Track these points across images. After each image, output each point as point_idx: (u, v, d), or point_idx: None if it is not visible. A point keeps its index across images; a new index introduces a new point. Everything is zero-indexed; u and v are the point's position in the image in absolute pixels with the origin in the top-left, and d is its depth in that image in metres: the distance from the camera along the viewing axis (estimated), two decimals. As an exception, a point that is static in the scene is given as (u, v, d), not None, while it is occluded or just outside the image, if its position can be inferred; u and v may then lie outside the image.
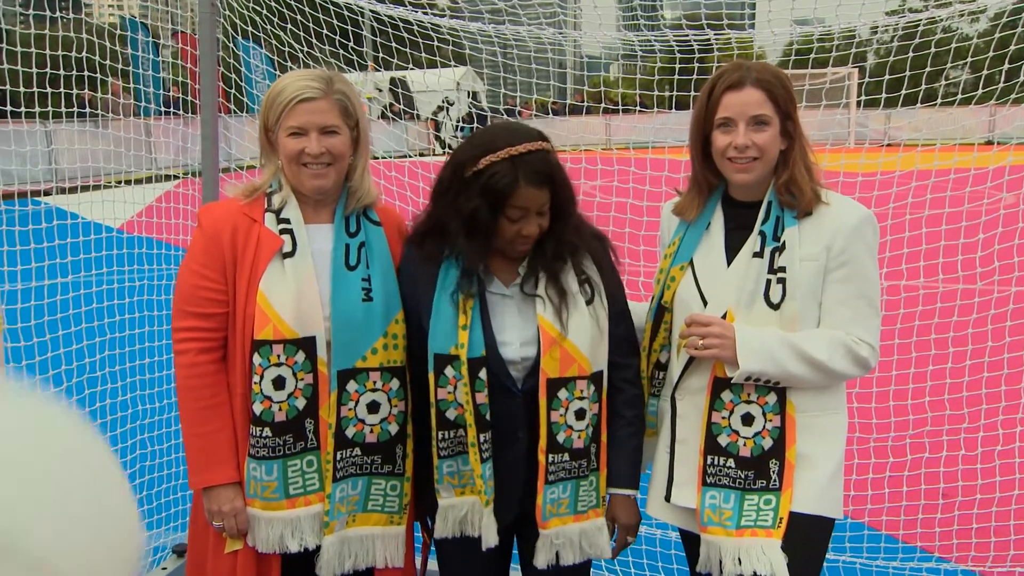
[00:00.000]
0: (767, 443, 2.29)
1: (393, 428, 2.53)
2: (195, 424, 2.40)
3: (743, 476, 2.31)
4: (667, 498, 2.50)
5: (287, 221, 2.43)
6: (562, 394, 2.45)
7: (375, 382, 2.48)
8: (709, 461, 2.35)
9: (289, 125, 2.35)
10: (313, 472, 2.46)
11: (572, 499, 2.52)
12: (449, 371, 2.45)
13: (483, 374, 2.45)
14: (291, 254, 2.40)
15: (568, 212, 2.47)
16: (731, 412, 2.33)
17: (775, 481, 2.29)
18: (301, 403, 2.41)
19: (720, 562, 2.32)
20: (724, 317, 2.34)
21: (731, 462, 2.32)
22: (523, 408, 2.50)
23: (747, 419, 2.31)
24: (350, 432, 2.47)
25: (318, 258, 2.47)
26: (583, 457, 2.51)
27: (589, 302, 2.48)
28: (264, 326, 2.35)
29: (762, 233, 2.32)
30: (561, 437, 2.47)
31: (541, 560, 2.51)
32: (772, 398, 2.30)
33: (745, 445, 2.31)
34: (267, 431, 2.39)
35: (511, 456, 2.53)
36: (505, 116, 5.33)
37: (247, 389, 2.41)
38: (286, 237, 2.41)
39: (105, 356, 4.29)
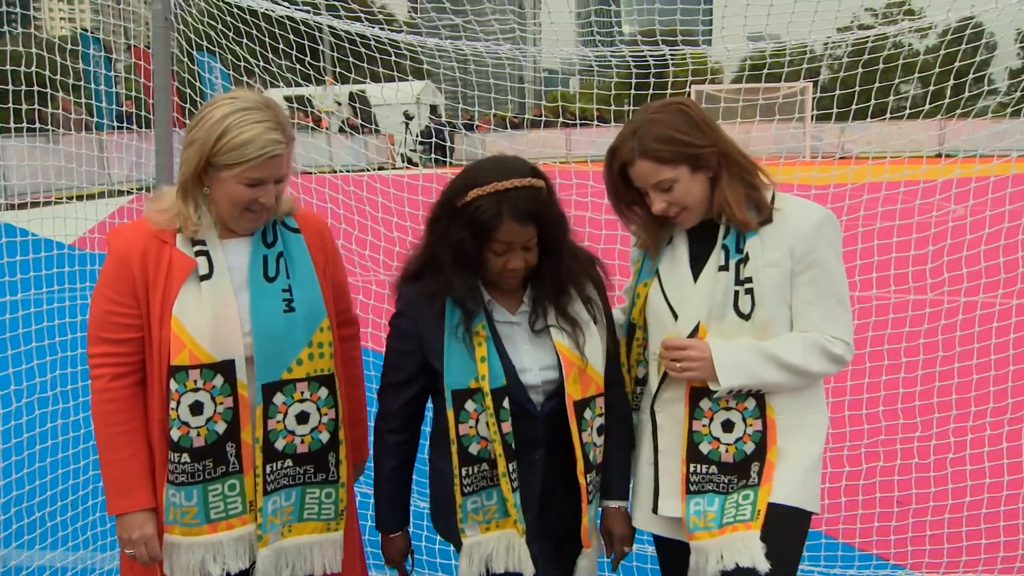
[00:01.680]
0: (749, 447, 2.34)
1: (324, 436, 2.51)
2: (109, 450, 2.36)
3: (726, 481, 2.35)
4: (654, 510, 2.52)
5: (202, 243, 2.37)
6: (587, 414, 2.50)
7: (303, 392, 2.46)
8: (692, 469, 2.38)
9: (249, 176, 2.27)
10: (236, 496, 2.43)
11: (597, 515, 2.63)
12: (470, 405, 2.44)
13: (506, 403, 2.46)
14: (208, 275, 2.36)
15: (559, 248, 2.46)
16: (711, 420, 2.36)
17: (755, 479, 2.33)
18: (221, 427, 2.38)
19: (707, 562, 2.33)
20: (696, 330, 2.38)
21: (714, 468, 2.36)
22: (544, 429, 2.52)
23: (727, 426, 2.35)
24: (280, 444, 2.45)
25: (236, 273, 2.43)
26: (599, 473, 2.60)
27: (596, 322, 2.54)
28: (179, 351, 2.31)
29: (725, 247, 2.35)
30: (592, 456, 2.51)
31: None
32: (751, 403, 2.34)
33: (727, 451, 2.35)
34: (185, 457, 2.35)
35: (531, 480, 2.54)
36: (464, 130, 5.36)
37: (165, 415, 2.36)
38: (201, 259, 2.36)
39: (57, 375, 4.25)
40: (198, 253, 2.35)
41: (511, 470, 2.48)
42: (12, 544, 3.85)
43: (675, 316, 2.43)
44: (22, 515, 3.85)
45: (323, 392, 2.50)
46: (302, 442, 2.48)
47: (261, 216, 2.39)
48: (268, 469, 2.43)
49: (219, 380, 2.35)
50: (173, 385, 2.32)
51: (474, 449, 2.48)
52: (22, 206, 4.82)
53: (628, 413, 2.67)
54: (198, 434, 2.35)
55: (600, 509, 2.68)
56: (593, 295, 2.57)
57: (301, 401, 2.46)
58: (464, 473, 2.48)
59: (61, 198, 5.25)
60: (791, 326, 2.36)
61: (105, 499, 2.40)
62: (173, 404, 2.33)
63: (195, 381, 2.32)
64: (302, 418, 2.47)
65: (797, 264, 2.31)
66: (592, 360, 2.49)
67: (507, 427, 2.47)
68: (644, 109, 2.41)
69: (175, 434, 2.34)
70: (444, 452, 2.54)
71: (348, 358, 2.75)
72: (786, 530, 2.31)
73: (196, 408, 2.34)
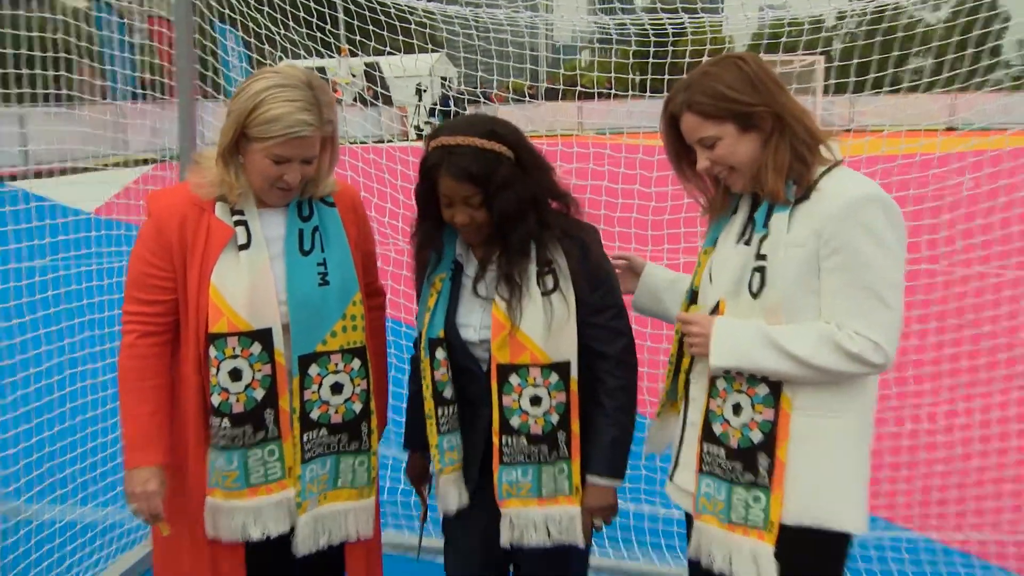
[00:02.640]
0: (756, 436, 2.20)
1: (357, 407, 2.56)
2: (130, 405, 2.37)
3: (731, 467, 2.24)
4: (671, 477, 2.51)
5: (240, 212, 2.39)
6: (513, 380, 2.48)
7: (336, 364, 2.50)
8: (705, 449, 2.31)
9: (275, 153, 2.28)
10: (275, 461, 2.45)
11: (535, 483, 2.53)
12: (422, 351, 2.56)
13: (439, 353, 2.52)
14: (246, 246, 2.37)
15: (512, 213, 2.39)
16: (724, 400, 2.27)
17: (764, 477, 2.18)
18: (259, 394, 2.40)
19: (710, 554, 2.29)
20: (717, 306, 2.29)
21: (722, 452, 2.27)
22: (487, 388, 2.53)
23: (736, 409, 2.24)
24: (315, 414, 2.49)
25: (272, 244, 2.45)
26: (544, 443, 2.51)
27: (548, 293, 2.44)
28: (218, 319, 2.33)
29: (753, 220, 2.25)
30: (515, 421, 2.49)
31: (504, 538, 2.55)
32: (763, 390, 2.19)
33: (734, 436, 2.24)
34: (226, 422, 2.38)
35: (479, 429, 2.59)
36: (483, 100, 5.40)
37: (203, 380, 2.40)
38: (240, 228, 2.38)
39: (76, 340, 4.32)
40: (237, 223, 2.37)
41: (439, 415, 2.54)
42: (45, 499, 3.93)
43: (711, 283, 2.37)
44: (53, 471, 3.91)
45: (356, 363, 2.53)
46: (336, 412, 2.52)
47: (289, 194, 2.41)
48: (305, 438, 2.48)
49: (257, 348, 2.37)
50: (212, 352, 2.35)
51: (447, 394, 2.56)
52: (47, 174, 4.87)
53: (622, 390, 2.54)
54: (237, 400, 2.38)
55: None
56: (560, 268, 2.46)
57: (335, 372, 2.50)
58: (439, 413, 2.57)
59: (83, 166, 5.33)
60: (818, 315, 2.15)
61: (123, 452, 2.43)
62: (213, 370, 2.36)
63: (233, 348, 2.35)
64: (336, 389, 2.51)
65: (824, 247, 2.10)
66: (527, 327, 2.43)
67: (440, 376, 2.53)
68: (703, 64, 2.30)
69: (215, 400, 2.37)
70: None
71: (374, 328, 2.75)
72: (806, 558, 2.19)
73: (235, 374, 2.36)
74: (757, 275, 2.18)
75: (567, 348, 2.45)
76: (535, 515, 2.52)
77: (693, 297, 2.42)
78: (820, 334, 2.09)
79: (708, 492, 2.29)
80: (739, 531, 2.21)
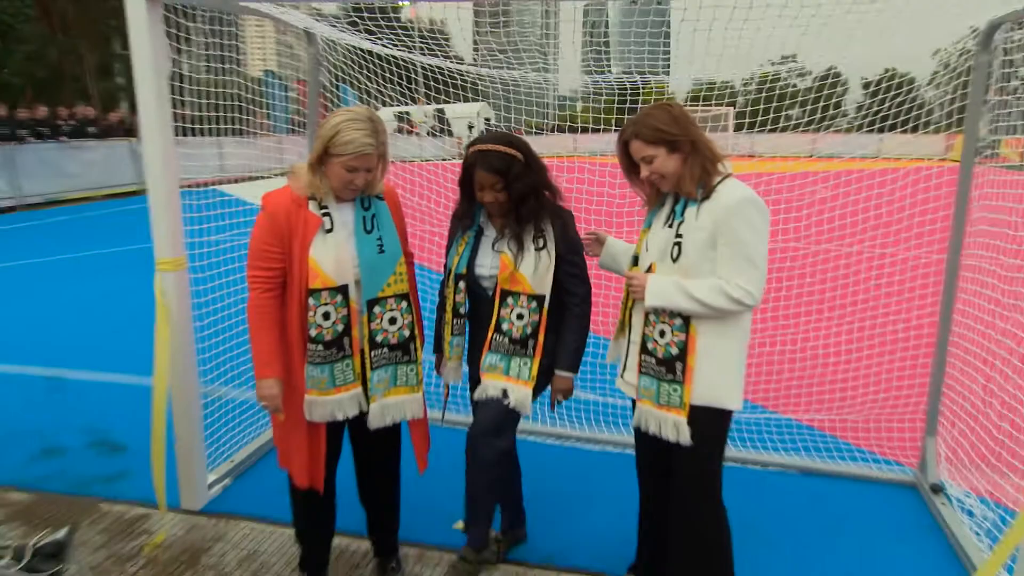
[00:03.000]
0: (673, 351, 2.28)
1: (406, 332, 2.55)
2: (257, 337, 2.38)
3: (659, 370, 2.32)
4: (622, 375, 2.54)
5: (325, 206, 2.38)
6: (509, 300, 2.55)
7: (391, 305, 2.50)
8: (642, 359, 2.38)
9: (348, 164, 2.29)
10: (349, 371, 2.46)
11: (505, 367, 2.58)
12: (450, 280, 2.65)
13: (461, 284, 2.62)
14: (331, 230, 2.37)
15: (523, 197, 2.48)
16: (654, 328, 2.33)
17: (679, 376, 2.28)
18: (340, 328, 2.40)
19: (647, 423, 2.39)
20: (651, 267, 2.35)
21: (653, 360, 2.34)
22: (491, 307, 2.60)
23: (662, 334, 2.31)
24: (379, 338, 2.49)
25: (346, 226, 2.43)
26: (518, 344, 2.56)
27: (539, 249, 2.52)
28: (315, 279, 2.33)
29: (674, 211, 2.32)
30: (504, 327, 2.57)
31: (476, 395, 2.66)
32: (678, 321, 2.27)
33: (660, 351, 2.31)
34: (320, 347, 2.38)
35: (482, 337, 2.65)
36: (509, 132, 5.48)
37: (303, 321, 2.38)
38: (325, 218, 2.36)
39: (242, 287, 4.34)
40: (323, 214, 2.37)
41: (454, 322, 2.65)
42: (229, 384, 3.99)
43: (647, 251, 2.41)
44: (235, 367, 3.95)
45: (403, 304, 2.53)
46: (393, 336, 2.52)
47: (356, 192, 2.41)
48: (373, 354, 2.49)
49: (339, 298, 2.38)
50: (311, 301, 2.35)
51: (448, 306, 2.67)
52: (234, 181, 4.98)
53: (583, 315, 2.63)
54: (327, 332, 2.39)
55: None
56: (548, 234, 2.53)
57: (391, 310, 2.50)
58: (454, 323, 2.67)
59: (258, 176, 5.44)
60: (713, 273, 2.23)
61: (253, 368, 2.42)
62: (311, 314, 2.35)
63: (325, 298, 2.36)
64: (392, 321, 2.51)
65: (719, 231, 2.20)
66: (523, 269, 2.51)
67: (459, 298, 2.62)
68: (646, 106, 2.36)
69: (313, 332, 2.37)
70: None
71: (410, 276, 2.72)
72: (704, 424, 2.28)
73: (326, 316, 2.37)
74: (676, 247, 2.27)
75: (546, 286, 2.54)
76: (499, 384, 2.59)
77: (635, 260, 2.48)
78: (714, 285, 2.20)
79: (645, 385, 2.37)
80: (665, 409, 2.32)
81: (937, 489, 3.55)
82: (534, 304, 2.55)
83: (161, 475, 3.19)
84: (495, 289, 2.59)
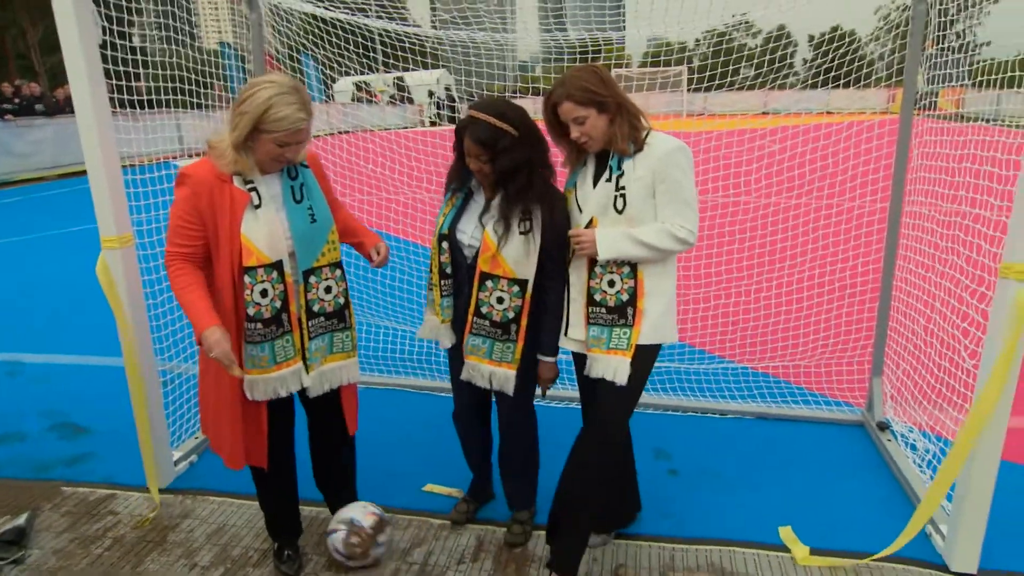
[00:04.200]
0: (624, 297, 2.33)
1: (341, 300, 2.50)
2: (185, 297, 2.24)
3: (610, 318, 2.35)
4: (566, 333, 2.52)
5: (251, 182, 2.25)
6: (488, 283, 2.45)
7: (326, 274, 2.43)
8: (590, 311, 2.39)
9: (280, 139, 2.16)
10: (289, 346, 2.39)
11: (488, 350, 2.51)
12: (435, 240, 2.55)
13: (444, 245, 2.52)
14: (259, 205, 2.24)
15: (508, 171, 2.33)
16: (601, 280, 2.36)
17: (630, 320, 2.33)
18: (278, 304, 2.32)
19: (594, 368, 2.40)
20: (591, 221, 2.35)
21: (603, 310, 2.36)
22: (469, 275, 2.51)
23: (611, 283, 2.34)
24: (316, 308, 2.43)
25: (274, 199, 2.31)
26: (500, 328, 2.47)
27: (524, 233, 2.38)
28: (249, 257, 2.22)
29: (610, 167, 2.32)
30: (484, 310, 2.48)
31: (463, 374, 2.59)
32: (626, 269, 2.32)
33: (611, 299, 2.35)
34: (259, 325, 2.30)
35: (462, 300, 2.57)
36: (469, 100, 5.36)
37: (238, 300, 2.28)
38: (252, 193, 2.23)
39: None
40: (249, 189, 2.25)
41: (442, 284, 2.56)
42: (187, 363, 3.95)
43: (580, 211, 2.40)
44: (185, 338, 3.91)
45: (337, 273, 2.47)
46: (329, 305, 2.46)
47: (283, 164, 2.30)
48: (310, 324, 2.43)
49: (275, 274, 2.29)
50: (247, 279, 2.24)
51: (435, 266, 2.57)
52: (195, 154, 4.79)
53: (560, 300, 2.50)
54: (266, 310, 2.30)
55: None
56: (535, 218, 2.39)
57: (326, 279, 2.44)
58: (443, 284, 2.58)
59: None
60: (655, 218, 2.29)
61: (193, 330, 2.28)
62: (248, 292, 2.25)
63: (261, 276, 2.26)
64: (328, 290, 2.45)
65: (656, 179, 2.25)
66: (505, 252, 2.39)
67: (445, 259, 2.53)
68: (571, 69, 2.33)
69: (251, 311, 2.28)
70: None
71: (347, 216, 2.67)
72: (644, 359, 2.36)
73: (263, 293, 2.28)
74: (621, 199, 2.30)
75: (528, 271, 2.42)
76: (483, 368, 2.54)
77: None
78: (659, 229, 2.26)
79: (595, 335, 2.39)
80: (613, 353, 2.36)
81: (883, 426, 3.64)
82: (516, 288, 2.44)
83: (150, 458, 3.13)
84: (474, 259, 2.49)
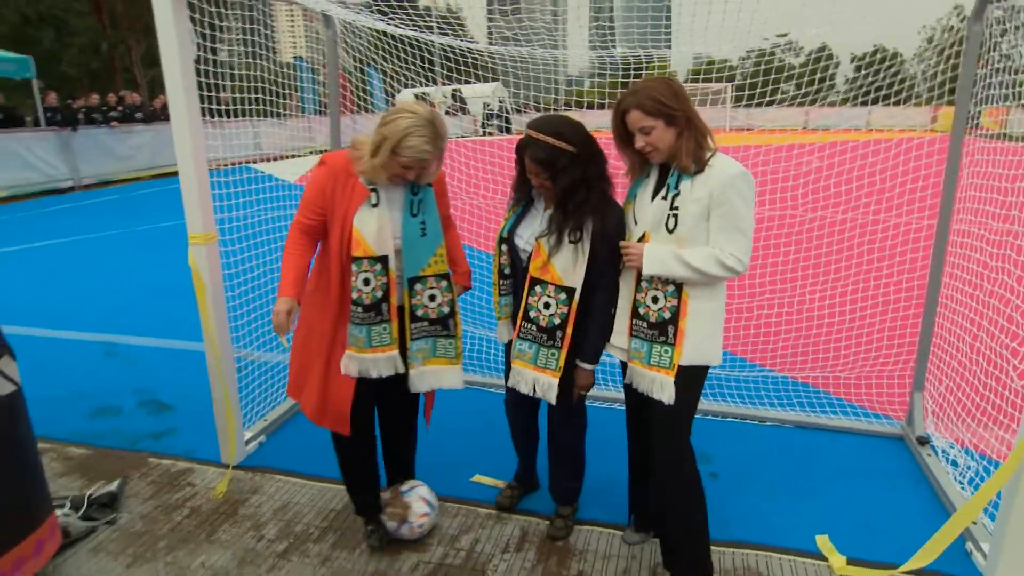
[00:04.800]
0: (666, 315, 2.22)
1: (445, 309, 2.52)
2: (285, 263, 2.37)
3: (651, 333, 2.25)
4: (610, 340, 2.44)
5: (374, 185, 2.34)
6: (538, 288, 2.41)
7: (431, 283, 2.47)
8: (633, 323, 2.31)
9: (405, 163, 2.26)
10: (386, 334, 2.43)
11: (534, 355, 2.46)
12: (497, 244, 2.55)
13: (504, 247, 2.52)
14: (377, 204, 2.33)
15: (568, 189, 2.28)
16: (646, 294, 2.26)
17: (671, 339, 2.22)
18: (379, 294, 2.38)
19: (637, 382, 2.33)
20: (643, 236, 2.25)
21: (645, 324, 2.27)
22: (524, 277, 2.46)
23: (655, 299, 2.24)
24: (419, 312, 2.47)
25: (394, 205, 2.39)
26: (545, 333, 2.42)
27: (573, 242, 2.34)
28: (357, 247, 2.31)
29: (668, 184, 2.20)
30: (532, 314, 2.43)
31: (510, 380, 2.53)
32: (671, 287, 2.21)
33: (653, 315, 2.25)
34: (359, 309, 2.37)
35: (519, 299, 2.51)
36: (521, 112, 5.35)
37: (344, 280, 2.37)
38: (372, 194, 2.33)
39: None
40: (371, 189, 2.34)
41: (501, 283, 2.55)
42: (260, 350, 4.05)
43: (636, 223, 2.30)
44: (259, 328, 3.91)
45: (443, 283, 2.50)
46: (432, 312, 2.50)
47: (407, 181, 2.37)
48: (413, 327, 2.47)
49: (378, 267, 2.35)
50: (354, 267, 2.34)
51: (495, 267, 2.57)
52: (270, 159, 4.91)
53: (606, 304, 2.40)
54: (366, 297, 2.37)
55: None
56: (586, 229, 2.32)
57: (431, 288, 2.47)
58: (500, 283, 2.59)
59: (290, 155, 5.37)
60: (707, 242, 2.16)
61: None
62: (354, 279, 2.35)
63: (366, 266, 2.34)
64: (432, 298, 2.48)
65: (713, 203, 2.10)
66: (555, 261, 2.35)
67: (504, 260, 2.53)
68: (644, 78, 2.22)
69: (354, 295, 2.36)
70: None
71: (453, 243, 2.72)
72: (690, 380, 2.24)
73: (366, 282, 2.35)
74: (673, 218, 2.17)
75: (576, 279, 2.36)
76: (528, 375, 2.48)
77: None
78: (709, 254, 2.12)
79: (636, 348, 2.30)
80: (655, 369, 2.25)
81: (923, 441, 3.46)
82: (563, 295, 2.39)
83: (232, 434, 3.20)
84: (527, 267, 2.46)
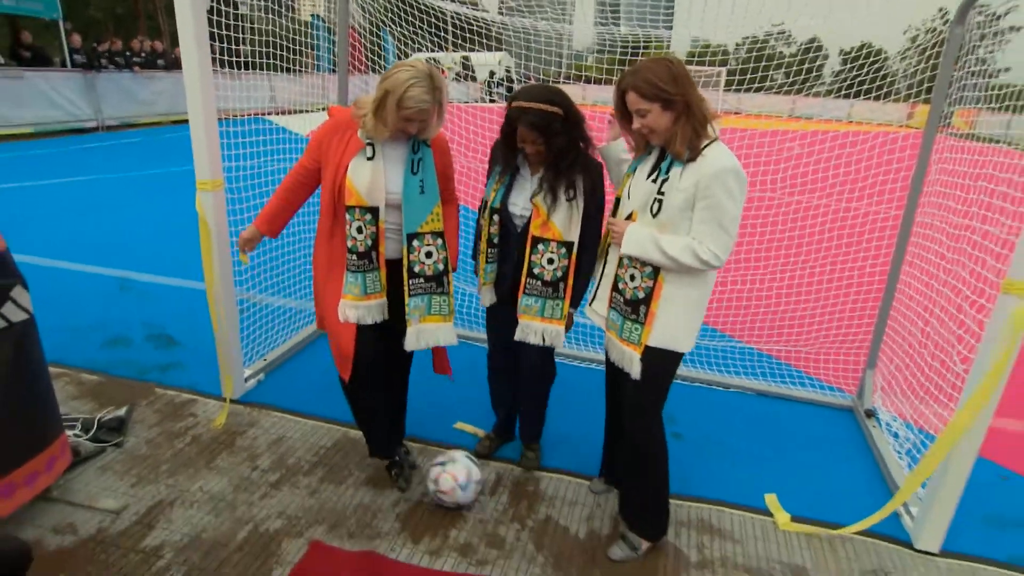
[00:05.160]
0: (640, 295, 2.15)
1: (440, 266, 2.46)
2: (274, 196, 2.44)
3: (626, 309, 2.19)
4: (591, 305, 2.43)
5: (371, 141, 2.30)
6: (540, 247, 2.42)
7: (428, 241, 2.41)
8: (612, 295, 2.25)
9: (407, 114, 2.21)
10: (377, 281, 2.41)
11: (540, 308, 2.48)
12: (485, 211, 2.50)
13: (495, 217, 2.48)
14: (371, 158, 2.29)
15: (562, 152, 2.30)
16: (626, 271, 2.19)
17: (642, 318, 2.14)
18: (369, 242, 2.34)
19: (611, 352, 2.33)
20: (631, 214, 2.18)
21: (622, 299, 2.21)
22: (518, 241, 2.48)
23: (632, 277, 2.16)
24: (416, 269, 2.42)
25: (394, 161, 2.34)
26: (550, 287, 2.44)
27: (570, 200, 2.36)
28: (350, 197, 2.28)
29: (659, 168, 2.10)
30: (536, 271, 2.44)
31: (516, 336, 2.54)
32: (648, 269, 2.12)
33: (629, 292, 2.18)
34: (353, 256, 2.35)
35: (508, 265, 2.54)
36: (526, 81, 5.23)
37: (335, 227, 2.37)
38: (368, 147, 2.29)
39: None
40: (368, 143, 2.29)
41: (488, 251, 2.52)
42: (254, 290, 4.02)
43: (629, 198, 2.22)
44: (262, 272, 3.93)
45: (439, 241, 2.44)
46: (428, 268, 2.44)
47: (409, 135, 2.33)
48: (411, 283, 2.42)
49: (368, 216, 2.32)
50: (347, 216, 2.31)
51: (483, 235, 2.54)
52: (284, 112, 4.80)
53: (592, 260, 2.45)
54: (360, 244, 2.34)
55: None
56: (578, 187, 2.35)
57: (428, 245, 2.42)
58: (488, 251, 2.54)
59: (303, 109, 5.24)
60: (688, 231, 2.04)
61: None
62: (348, 227, 2.32)
63: (358, 215, 2.31)
64: (428, 255, 2.43)
65: (699, 194, 1.98)
66: (554, 218, 2.36)
67: (494, 229, 2.49)
68: (646, 58, 2.07)
69: (349, 244, 2.34)
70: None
71: (450, 214, 2.59)
72: (656, 363, 2.16)
73: (359, 230, 2.32)
74: (657, 203, 2.07)
75: (574, 234, 2.40)
76: (536, 326, 2.50)
77: (616, 203, 2.30)
78: (686, 245, 2.02)
79: (612, 319, 2.26)
80: (625, 343, 2.21)
81: (870, 414, 3.52)
82: (563, 250, 2.41)
83: (228, 370, 3.21)
84: (525, 230, 2.46)
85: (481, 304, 2.69)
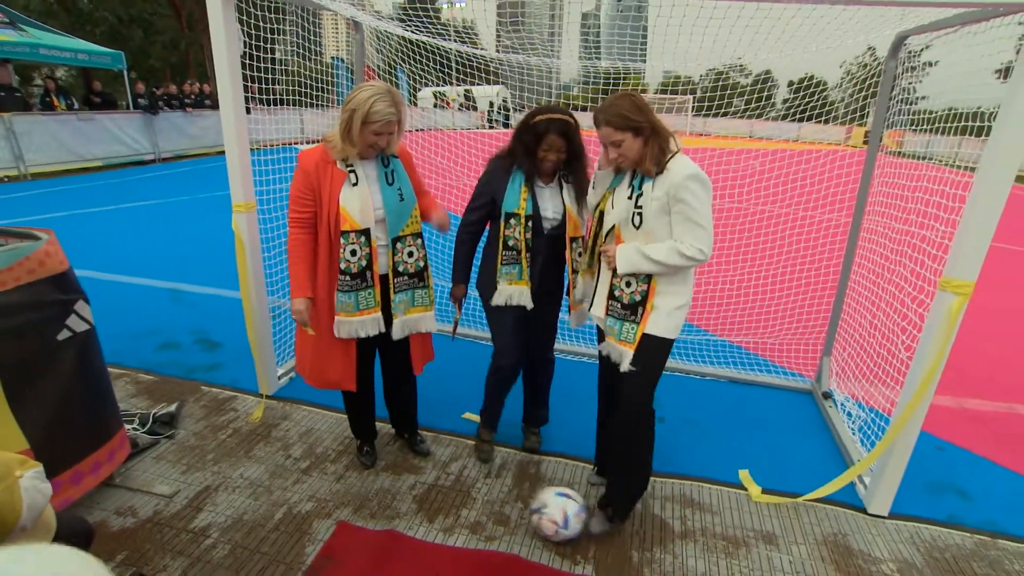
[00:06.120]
0: (637, 298, 2.10)
1: (421, 263, 2.38)
2: (294, 265, 2.23)
3: (624, 313, 2.13)
4: (590, 309, 2.32)
5: (351, 165, 2.18)
6: (575, 244, 2.39)
7: (409, 242, 2.32)
8: (609, 303, 2.18)
9: (375, 128, 2.09)
10: (371, 298, 2.29)
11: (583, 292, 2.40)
12: (512, 221, 2.35)
13: (531, 223, 2.36)
14: (356, 184, 2.17)
15: (578, 155, 2.30)
16: (621, 279, 2.12)
17: (639, 318, 2.09)
18: (363, 263, 2.24)
19: (610, 353, 2.23)
20: (613, 227, 2.13)
21: (619, 305, 2.14)
22: (546, 242, 2.40)
23: (628, 284, 2.10)
24: (401, 268, 2.33)
25: (370, 180, 2.23)
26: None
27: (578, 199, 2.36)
28: (344, 223, 2.16)
29: (632, 185, 2.07)
30: (574, 263, 2.39)
31: (574, 322, 2.43)
32: (643, 276, 2.08)
33: (626, 297, 2.12)
34: (347, 277, 2.24)
35: (537, 265, 2.42)
36: (521, 110, 5.16)
37: (333, 256, 2.23)
38: (351, 174, 2.17)
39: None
40: (349, 170, 2.18)
41: (528, 257, 2.39)
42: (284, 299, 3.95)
43: (612, 208, 2.15)
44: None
45: (418, 241, 2.36)
46: (411, 267, 2.36)
47: (378, 151, 2.22)
48: (396, 281, 2.33)
49: (363, 239, 2.21)
50: (342, 241, 2.19)
51: (511, 243, 2.37)
52: (311, 142, 4.74)
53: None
54: (353, 266, 2.23)
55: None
56: (587, 187, 2.32)
57: (409, 246, 2.33)
58: (503, 255, 2.39)
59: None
60: (670, 235, 2.04)
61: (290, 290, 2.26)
62: (342, 250, 2.20)
63: (352, 239, 2.20)
64: (410, 254, 2.34)
65: (671, 200, 1.95)
66: (579, 218, 2.37)
67: (528, 235, 2.37)
68: (611, 96, 2.06)
69: (342, 265, 2.22)
70: (493, 246, 2.43)
71: (431, 203, 2.45)
72: (651, 350, 2.10)
73: (352, 253, 2.21)
74: (638, 216, 2.04)
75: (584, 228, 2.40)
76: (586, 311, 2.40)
77: (600, 216, 2.21)
78: (671, 247, 1.98)
79: (610, 324, 2.18)
80: (623, 344, 2.14)
81: (827, 396, 3.44)
82: (581, 243, 2.42)
83: (263, 370, 3.14)
84: (552, 230, 2.40)
85: (495, 301, 2.46)
